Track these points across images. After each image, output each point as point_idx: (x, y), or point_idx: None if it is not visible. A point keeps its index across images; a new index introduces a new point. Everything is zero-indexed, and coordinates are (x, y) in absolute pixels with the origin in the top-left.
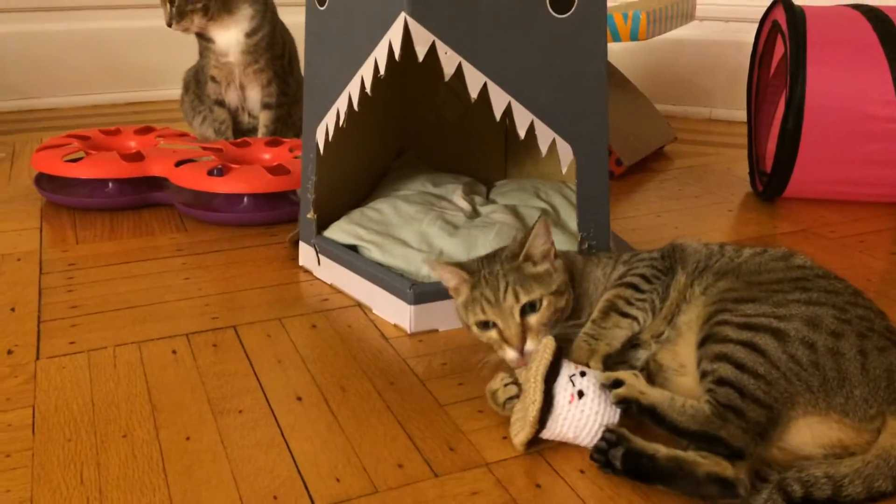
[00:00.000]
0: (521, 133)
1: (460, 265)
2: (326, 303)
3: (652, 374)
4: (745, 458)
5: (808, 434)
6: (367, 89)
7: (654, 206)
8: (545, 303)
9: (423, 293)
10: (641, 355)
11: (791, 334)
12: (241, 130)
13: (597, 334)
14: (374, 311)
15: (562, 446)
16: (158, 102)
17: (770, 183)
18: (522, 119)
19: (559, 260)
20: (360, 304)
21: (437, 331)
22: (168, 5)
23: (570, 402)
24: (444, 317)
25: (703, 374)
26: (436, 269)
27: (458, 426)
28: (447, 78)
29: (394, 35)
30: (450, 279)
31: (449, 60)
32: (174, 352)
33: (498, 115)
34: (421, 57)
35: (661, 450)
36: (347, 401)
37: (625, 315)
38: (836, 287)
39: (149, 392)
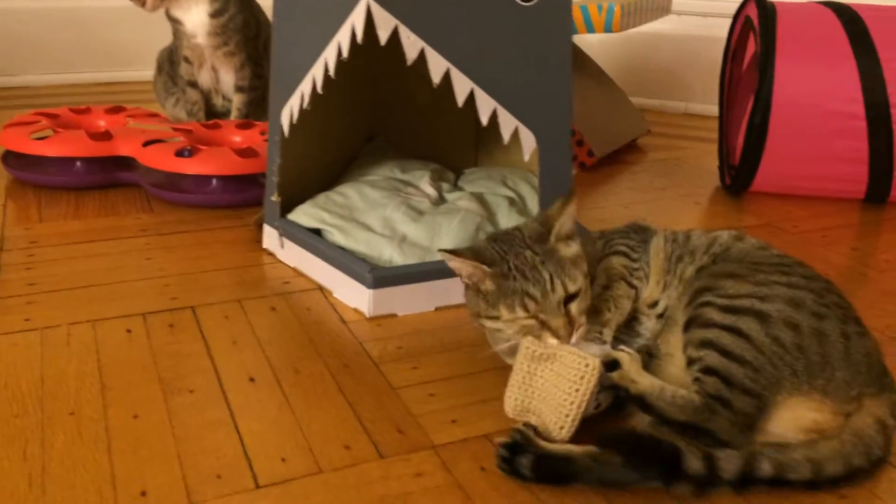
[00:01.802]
0: (484, 120)
1: (476, 255)
2: (287, 286)
3: (653, 354)
4: (735, 449)
5: (789, 416)
6: (331, 72)
7: (624, 198)
8: (584, 288)
9: (382, 277)
10: (641, 328)
11: (774, 316)
12: (214, 113)
13: (613, 301)
14: (334, 295)
15: (510, 431)
16: (135, 83)
17: (737, 177)
18: (485, 106)
19: (579, 240)
20: (321, 288)
21: (395, 315)
22: None
23: (589, 413)
24: (403, 301)
25: (690, 361)
26: (449, 261)
27: (409, 409)
28: (409, 62)
29: (357, 18)
30: (463, 269)
31: (412, 45)
32: (129, 331)
33: (461, 101)
34: (383, 41)
35: (573, 449)
36: (300, 382)
37: (630, 285)
38: (811, 274)
39: (100, 370)
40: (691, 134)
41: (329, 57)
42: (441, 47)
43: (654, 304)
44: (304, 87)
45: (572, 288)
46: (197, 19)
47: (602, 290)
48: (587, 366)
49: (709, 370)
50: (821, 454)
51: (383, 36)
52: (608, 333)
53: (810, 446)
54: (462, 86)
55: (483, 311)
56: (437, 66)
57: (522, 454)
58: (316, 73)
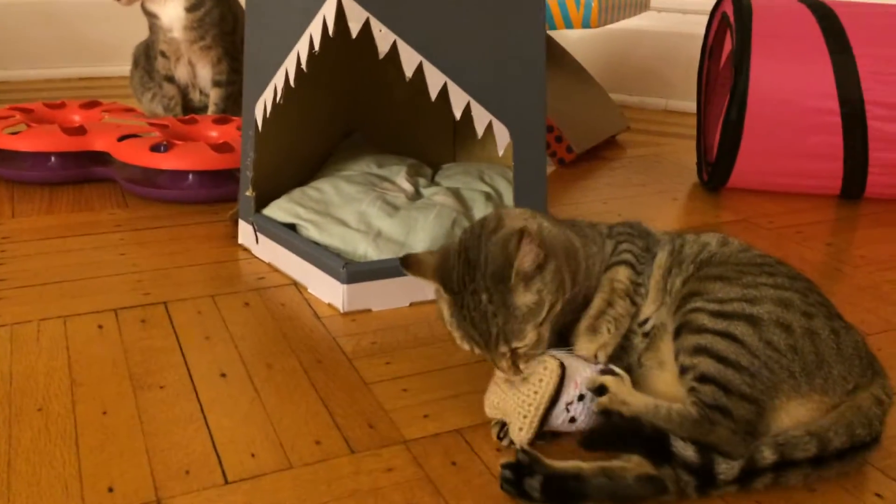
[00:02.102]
0: (457, 114)
1: (437, 276)
2: (262, 281)
3: (632, 369)
4: (737, 459)
5: (787, 418)
6: (303, 66)
7: (602, 194)
8: (534, 338)
9: (356, 272)
10: (629, 346)
11: (765, 318)
12: (192, 108)
13: (614, 320)
14: (309, 290)
15: (482, 426)
16: (113, 78)
17: (714, 173)
18: (458, 100)
19: (553, 263)
20: (295, 283)
21: (370, 310)
22: None
23: (562, 425)
24: (377, 296)
25: (684, 370)
26: (407, 272)
27: (381, 404)
28: (381, 55)
29: (328, 11)
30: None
31: (384, 38)
32: (100, 326)
33: (433, 94)
34: (354, 33)
35: (583, 466)
36: (272, 378)
37: (633, 302)
38: (794, 273)
39: (70, 366)
40: (671, 130)
41: (301, 50)
42: (413, 40)
43: (643, 322)
44: (277, 81)
45: (516, 344)
46: (173, 13)
47: (604, 304)
48: (545, 369)
49: (704, 378)
50: (823, 426)
51: (354, 28)
52: (603, 356)
53: (810, 422)
54: (435, 79)
55: (440, 313)
56: (410, 59)
57: (531, 475)
58: (289, 67)
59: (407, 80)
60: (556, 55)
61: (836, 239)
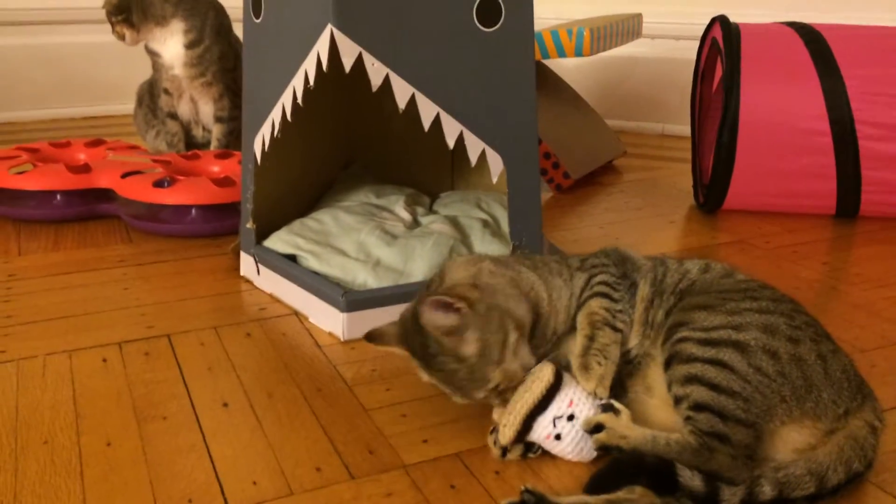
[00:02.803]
0: (451, 143)
1: (402, 344)
2: (264, 312)
3: (618, 397)
4: (739, 484)
5: (782, 444)
6: (299, 100)
7: (599, 219)
8: (501, 375)
9: (355, 301)
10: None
11: (752, 345)
12: (195, 144)
13: (601, 352)
14: (310, 320)
15: (481, 450)
16: (117, 117)
17: (709, 195)
18: (451, 129)
19: (482, 304)
20: (296, 313)
21: None
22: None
23: (547, 439)
24: (377, 324)
25: (678, 400)
26: (373, 344)
27: (381, 430)
28: (374, 89)
29: (321, 47)
30: None
31: (376, 72)
32: (104, 360)
33: (426, 125)
34: (347, 68)
35: (589, 501)
36: (273, 406)
37: (615, 329)
38: (778, 296)
39: (75, 399)
40: (667, 154)
41: (297, 85)
42: (405, 73)
43: (626, 353)
44: (275, 116)
45: (490, 387)
46: (173, 51)
47: (587, 340)
48: (541, 371)
49: (699, 406)
50: (823, 465)
51: (347, 63)
52: (602, 391)
53: (809, 458)
54: (428, 110)
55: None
56: (403, 91)
57: None
58: (285, 102)
59: (400, 111)
60: (552, 83)
61: (832, 258)
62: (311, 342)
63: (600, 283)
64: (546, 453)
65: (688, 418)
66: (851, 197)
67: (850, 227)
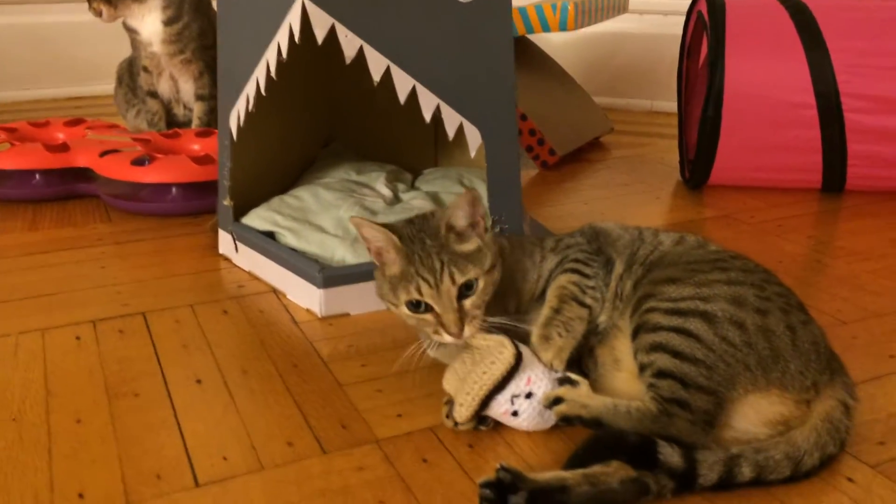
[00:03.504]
0: (427, 116)
1: (390, 226)
2: (242, 289)
3: (589, 370)
4: (699, 449)
5: (753, 413)
6: (273, 74)
7: (584, 195)
8: (481, 284)
9: (332, 277)
10: (587, 345)
11: (719, 315)
12: (176, 122)
13: (563, 324)
14: (288, 297)
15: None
16: (101, 97)
17: (694, 170)
18: (428, 102)
19: (490, 233)
20: (275, 290)
21: (348, 314)
22: None
23: (504, 415)
24: (355, 300)
25: (642, 367)
26: (360, 228)
27: (355, 405)
28: (348, 61)
29: (293, 18)
30: (375, 240)
31: (350, 43)
32: (78, 338)
33: (402, 98)
34: (320, 40)
35: (566, 476)
36: (247, 383)
37: (582, 304)
38: (749, 266)
39: (46, 377)
40: (655, 131)
41: (270, 58)
42: (379, 45)
43: (595, 326)
44: (249, 90)
45: (460, 279)
46: (151, 28)
47: (552, 312)
48: (501, 353)
49: (662, 373)
50: (801, 448)
51: (320, 34)
52: (559, 363)
53: (789, 442)
54: (403, 83)
55: (386, 295)
56: (377, 63)
57: (514, 492)
58: (259, 75)
59: (375, 83)
60: (538, 59)
61: (817, 231)
62: (288, 319)
63: (573, 260)
64: (501, 424)
65: (650, 385)
66: (837, 170)
67: (837, 201)
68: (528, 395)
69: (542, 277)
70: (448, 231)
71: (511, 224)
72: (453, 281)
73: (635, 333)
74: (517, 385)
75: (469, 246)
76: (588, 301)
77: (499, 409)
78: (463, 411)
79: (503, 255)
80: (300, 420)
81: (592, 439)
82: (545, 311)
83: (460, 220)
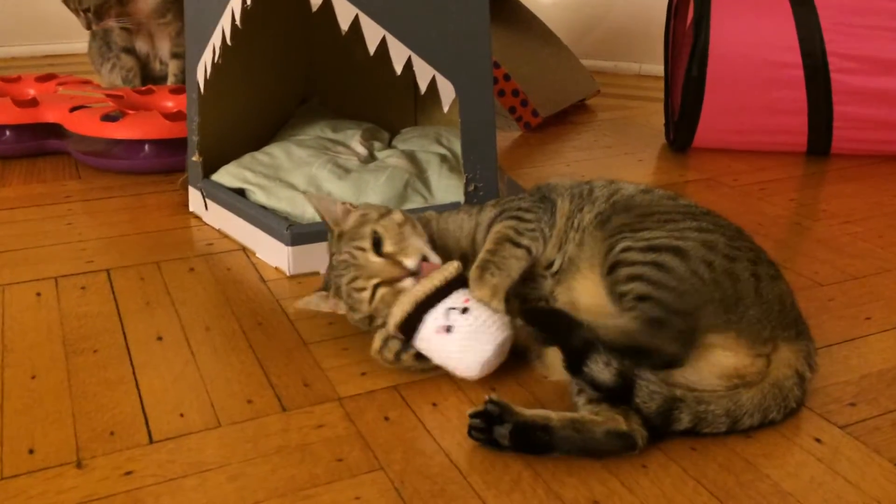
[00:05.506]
0: (398, 68)
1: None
2: (210, 247)
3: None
4: (680, 364)
5: (706, 363)
6: (238, 22)
7: (567, 157)
8: (381, 230)
9: (301, 234)
10: (539, 287)
11: (691, 253)
12: (152, 78)
13: (496, 264)
14: (257, 255)
15: (419, 382)
16: (79, 55)
17: (678, 131)
18: (399, 54)
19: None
20: (244, 249)
21: (318, 273)
22: None
23: (436, 334)
24: (324, 258)
25: (621, 296)
26: (315, 200)
27: (319, 363)
28: (314, 9)
29: None
30: (331, 208)
31: None
32: (38, 294)
33: (372, 49)
34: None
35: (552, 417)
36: (210, 340)
37: (517, 245)
38: (722, 222)
39: (3, 333)
40: (642, 94)
41: (235, 6)
42: None
43: (549, 265)
44: (215, 40)
45: (365, 244)
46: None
47: (486, 254)
48: (446, 267)
49: (641, 297)
50: (742, 409)
51: None
52: (497, 303)
53: (733, 399)
54: (373, 33)
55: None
56: (346, 12)
57: (500, 424)
58: (224, 25)
59: (343, 33)
60: (524, 19)
61: (800, 195)
62: (256, 277)
63: (511, 208)
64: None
65: (631, 308)
66: (822, 133)
67: (822, 164)
68: (464, 311)
69: (480, 225)
70: (337, 228)
71: (485, 182)
72: (362, 249)
73: (612, 269)
74: (454, 300)
75: (354, 227)
76: (525, 242)
77: (434, 322)
78: (396, 311)
79: (430, 228)
80: (262, 378)
81: (549, 314)
82: (481, 255)
83: (332, 213)
